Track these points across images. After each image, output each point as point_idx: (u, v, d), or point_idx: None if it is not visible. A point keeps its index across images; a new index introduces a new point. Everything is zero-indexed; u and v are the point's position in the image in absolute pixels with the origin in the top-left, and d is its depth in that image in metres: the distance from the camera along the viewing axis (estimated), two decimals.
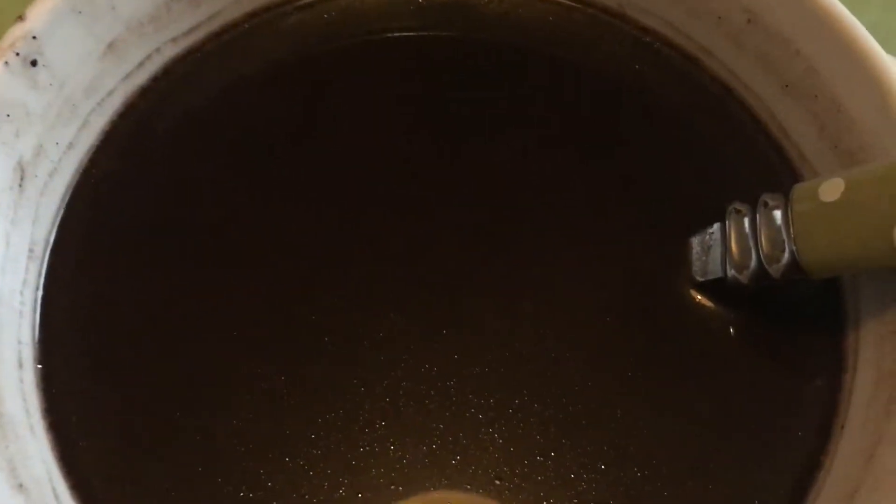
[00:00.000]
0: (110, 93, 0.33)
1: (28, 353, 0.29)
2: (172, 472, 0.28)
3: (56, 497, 0.27)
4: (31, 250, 0.31)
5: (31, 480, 0.26)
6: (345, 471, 0.28)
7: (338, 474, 0.28)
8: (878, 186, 0.27)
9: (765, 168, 0.33)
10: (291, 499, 0.28)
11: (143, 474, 0.28)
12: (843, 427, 0.28)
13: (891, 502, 0.24)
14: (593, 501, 0.28)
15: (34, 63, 0.30)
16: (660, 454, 0.29)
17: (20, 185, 0.30)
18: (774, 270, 0.29)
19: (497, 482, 0.28)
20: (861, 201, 0.27)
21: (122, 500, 0.28)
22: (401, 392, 0.29)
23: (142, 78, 0.34)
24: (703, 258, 0.31)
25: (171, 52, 0.35)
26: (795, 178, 0.32)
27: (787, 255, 0.28)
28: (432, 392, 0.30)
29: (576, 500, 0.28)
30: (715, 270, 0.30)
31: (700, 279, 0.31)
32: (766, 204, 0.29)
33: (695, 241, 0.31)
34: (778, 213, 0.29)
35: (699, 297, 0.31)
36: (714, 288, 0.31)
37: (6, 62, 0.30)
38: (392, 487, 0.28)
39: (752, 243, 0.29)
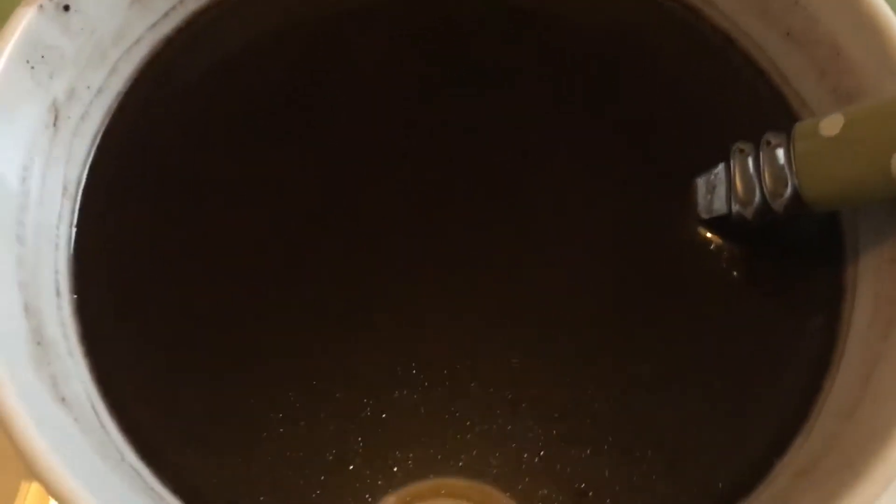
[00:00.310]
0: (137, 41, 0.35)
1: (65, 282, 0.30)
2: (205, 396, 0.30)
3: (96, 414, 0.28)
4: (65, 188, 0.32)
5: (73, 396, 0.28)
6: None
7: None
8: (876, 120, 0.28)
9: (766, 115, 0.35)
10: (320, 419, 0.29)
11: (176, 397, 0.30)
12: (842, 352, 0.30)
13: (889, 413, 0.26)
14: (608, 422, 0.29)
15: (66, 8, 0.31)
16: (668, 382, 0.30)
17: (54, 125, 0.32)
18: (777, 205, 0.30)
19: (509, 400, 0.30)
20: (860, 135, 0.28)
21: (157, 420, 0.29)
22: (410, 347, 0.31)
23: (167, 28, 0.35)
24: (708, 197, 0.32)
25: (194, 4, 0.36)
26: (795, 122, 0.34)
27: (789, 189, 0.30)
28: (442, 336, 0.31)
29: (589, 421, 0.29)
30: (720, 208, 0.32)
31: (705, 217, 0.32)
32: (768, 143, 0.31)
33: (700, 182, 0.33)
34: (780, 151, 0.30)
35: (704, 233, 0.32)
36: (718, 225, 0.32)
37: (41, 6, 0.31)
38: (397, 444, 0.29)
39: (755, 180, 0.31)
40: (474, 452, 0.29)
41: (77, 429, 0.27)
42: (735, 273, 0.32)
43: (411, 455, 0.29)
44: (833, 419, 0.28)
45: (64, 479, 0.23)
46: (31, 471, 0.24)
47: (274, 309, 0.31)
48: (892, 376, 0.27)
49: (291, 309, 0.31)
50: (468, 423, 0.29)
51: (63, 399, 0.27)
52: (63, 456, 0.24)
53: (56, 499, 0.23)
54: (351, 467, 0.29)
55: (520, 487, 0.29)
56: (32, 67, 0.30)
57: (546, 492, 0.28)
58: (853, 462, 0.25)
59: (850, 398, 0.28)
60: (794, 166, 0.30)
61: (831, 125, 0.29)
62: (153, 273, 0.32)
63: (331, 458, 0.29)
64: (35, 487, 0.35)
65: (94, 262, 0.32)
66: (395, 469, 0.29)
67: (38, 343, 0.28)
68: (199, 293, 0.31)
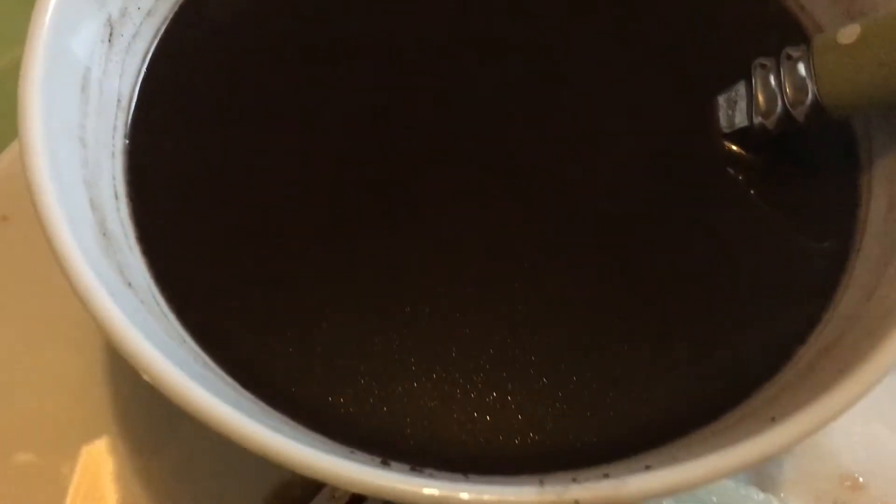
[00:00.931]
0: None
1: (121, 188, 0.32)
2: (259, 294, 0.31)
3: (157, 302, 0.30)
4: (118, 101, 0.33)
5: (137, 284, 0.29)
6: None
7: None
8: (890, 26, 0.30)
9: (782, 40, 0.36)
10: (368, 313, 0.31)
11: (231, 295, 0.31)
12: (859, 250, 0.32)
13: None
14: (638, 317, 0.31)
15: None
16: (695, 281, 0.32)
17: (109, 41, 0.33)
18: (798, 113, 0.32)
19: (547, 299, 0.31)
20: (875, 40, 0.30)
21: (214, 316, 0.31)
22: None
23: None
24: (730, 112, 0.34)
25: None
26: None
27: (810, 97, 0.32)
28: (483, 236, 0.33)
29: (621, 316, 0.31)
30: (741, 121, 0.34)
31: (727, 131, 0.34)
32: (789, 56, 0.33)
33: (721, 99, 0.35)
34: (801, 64, 0.32)
35: (726, 146, 0.34)
36: (739, 138, 0.34)
37: None
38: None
39: (777, 91, 0.32)
40: (509, 341, 0.31)
41: (145, 310, 0.28)
42: (755, 181, 0.34)
43: (454, 346, 0.31)
44: (852, 306, 0.30)
45: (144, 347, 0.25)
46: (110, 340, 0.25)
47: (320, 213, 0.33)
48: None
49: (338, 212, 0.33)
50: (509, 316, 0.31)
51: (130, 284, 0.29)
52: (139, 327, 0.25)
53: (138, 367, 0.25)
54: (396, 356, 0.30)
55: (555, 373, 0.30)
56: None
57: (578, 378, 0.30)
58: (874, 332, 0.26)
59: (869, 287, 0.30)
60: (813, 74, 0.31)
61: (848, 34, 0.31)
62: (201, 181, 0.34)
63: (377, 348, 0.31)
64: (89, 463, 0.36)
65: (145, 171, 0.33)
66: (439, 353, 0.30)
67: (104, 234, 0.29)
68: (244, 204, 0.33)
